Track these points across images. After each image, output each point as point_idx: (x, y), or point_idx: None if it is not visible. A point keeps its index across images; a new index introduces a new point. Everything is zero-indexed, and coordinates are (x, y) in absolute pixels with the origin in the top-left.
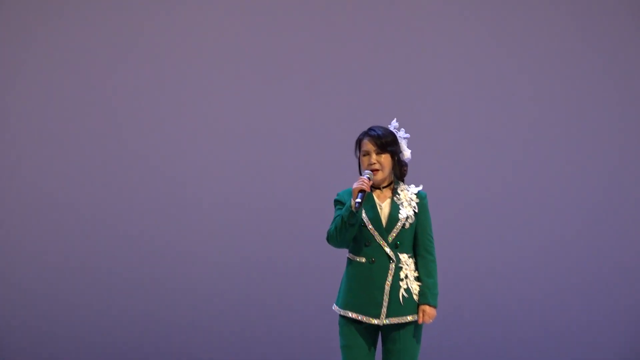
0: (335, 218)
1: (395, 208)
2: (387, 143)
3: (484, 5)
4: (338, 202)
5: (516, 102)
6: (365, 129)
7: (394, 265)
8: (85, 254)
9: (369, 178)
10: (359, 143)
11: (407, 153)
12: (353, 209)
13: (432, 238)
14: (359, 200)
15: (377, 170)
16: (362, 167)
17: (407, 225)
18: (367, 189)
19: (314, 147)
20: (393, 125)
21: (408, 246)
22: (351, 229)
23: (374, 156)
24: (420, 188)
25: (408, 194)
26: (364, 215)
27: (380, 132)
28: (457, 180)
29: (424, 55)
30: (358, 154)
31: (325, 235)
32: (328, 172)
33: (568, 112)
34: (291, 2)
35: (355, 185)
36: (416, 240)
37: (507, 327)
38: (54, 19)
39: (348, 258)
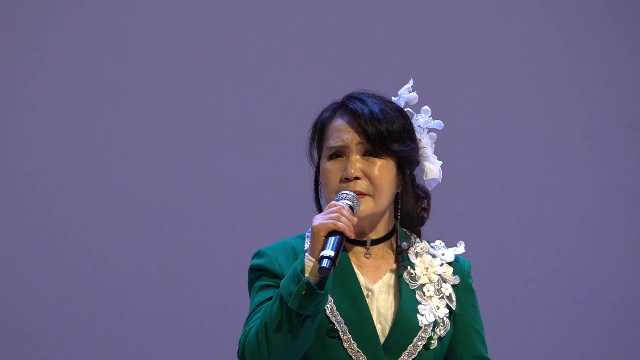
0: (257, 307)
1: (408, 300)
2: (392, 134)
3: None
4: (263, 273)
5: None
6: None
7: None
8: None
9: (350, 207)
10: (319, 130)
11: (433, 167)
12: (318, 274)
13: None
14: (331, 253)
15: (363, 194)
16: (326, 188)
17: (435, 342)
18: (351, 232)
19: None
20: (404, 94)
21: None
22: (303, 330)
23: (356, 160)
24: (461, 250)
25: (435, 263)
26: (329, 310)
27: (376, 107)
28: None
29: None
30: (316, 156)
31: (238, 348)
32: None
33: None
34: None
35: (322, 219)
36: None
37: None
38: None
39: None
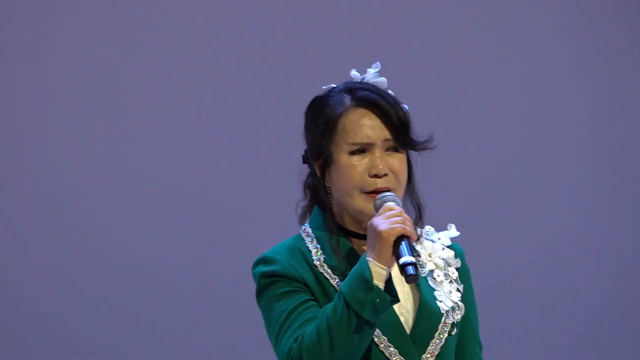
0: (290, 314)
1: (425, 287)
2: (409, 126)
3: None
4: (279, 279)
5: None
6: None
7: None
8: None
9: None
10: (333, 122)
11: None
12: (383, 280)
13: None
14: (413, 259)
15: (390, 190)
16: (347, 184)
17: (455, 328)
18: (415, 237)
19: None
20: (372, 79)
21: None
22: (369, 337)
23: (382, 155)
24: (454, 232)
25: (436, 248)
26: None
27: (390, 98)
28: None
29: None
30: (327, 149)
31: (292, 355)
32: None
33: None
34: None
35: (389, 224)
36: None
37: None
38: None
39: None
